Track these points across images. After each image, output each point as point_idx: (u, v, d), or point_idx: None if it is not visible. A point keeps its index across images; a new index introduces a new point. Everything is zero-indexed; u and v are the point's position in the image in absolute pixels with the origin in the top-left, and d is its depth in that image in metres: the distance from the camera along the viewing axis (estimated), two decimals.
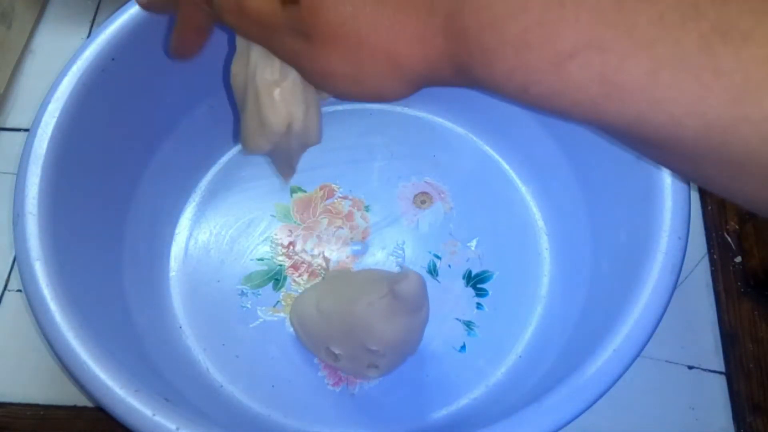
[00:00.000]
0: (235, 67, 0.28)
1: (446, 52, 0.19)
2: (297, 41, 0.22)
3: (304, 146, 0.31)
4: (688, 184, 0.33)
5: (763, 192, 0.16)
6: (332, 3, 0.20)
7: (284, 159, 0.32)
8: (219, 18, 0.24)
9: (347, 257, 0.43)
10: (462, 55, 0.19)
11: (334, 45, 0.21)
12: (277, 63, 0.25)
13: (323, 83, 0.23)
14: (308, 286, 0.41)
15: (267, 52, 0.25)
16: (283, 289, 0.41)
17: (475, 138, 0.46)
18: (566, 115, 0.18)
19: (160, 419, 0.27)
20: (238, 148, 0.46)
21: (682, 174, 0.20)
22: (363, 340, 0.34)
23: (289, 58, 0.23)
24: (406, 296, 0.33)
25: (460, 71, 0.19)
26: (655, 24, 0.16)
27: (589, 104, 0.17)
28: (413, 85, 0.21)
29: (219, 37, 0.41)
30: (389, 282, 0.34)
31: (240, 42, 0.28)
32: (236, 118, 0.45)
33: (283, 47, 0.23)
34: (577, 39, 0.16)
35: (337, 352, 0.35)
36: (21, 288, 0.41)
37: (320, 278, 0.42)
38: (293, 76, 0.26)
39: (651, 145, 0.18)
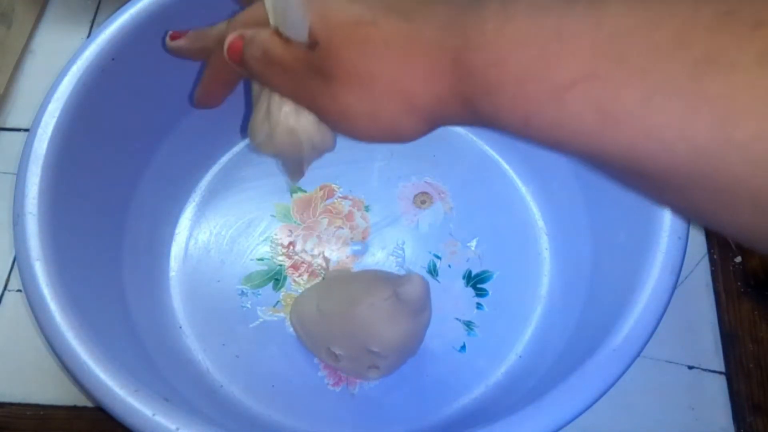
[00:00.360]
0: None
1: (455, 89, 0.20)
2: (317, 84, 0.23)
3: (319, 152, 0.30)
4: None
5: (755, 220, 0.17)
6: (348, 44, 0.21)
7: (294, 162, 0.32)
8: (247, 71, 0.25)
9: (347, 257, 0.43)
10: (469, 91, 0.20)
11: (351, 84, 0.22)
12: None
13: (342, 124, 0.23)
14: (308, 286, 0.41)
15: None
16: (283, 289, 0.41)
17: (475, 138, 0.46)
18: (566, 147, 0.19)
19: (160, 419, 0.27)
20: (238, 148, 0.46)
21: (678, 208, 0.20)
22: (365, 342, 0.34)
23: (310, 102, 0.24)
24: (409, 299, 0.33)
25: (468, 108, 0.20)
26: (649, 54, 0.16)
27: (586, 134, 0.18)
28: (428, 122, 0.22)
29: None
30: (392, 284, 0.34)
31: None
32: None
33: (305, 91, 0.24)
34: (575, 71, 0.17)
35: (337, 352, 0.35)
36: (21, 288, 0.41)
37: (320, 278, 0.42)
38: None
39: (646, 176, 0.18)
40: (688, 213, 0.20)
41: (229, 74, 0.29)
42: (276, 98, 0.26)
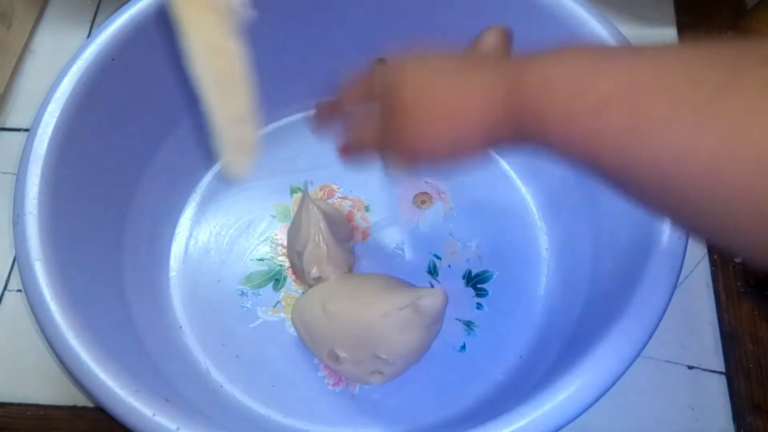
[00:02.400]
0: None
1: (508, 111, 0.24)
2: (393, 128, 0.27)
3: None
4: None
5: (757, 231, 0.18)
6: (408, 79, 0.27)
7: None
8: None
9: None
10: (520, 112, 0.23)
11: (419, 113, 0.26)
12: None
13: (414, 150, 0.27)
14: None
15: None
16: (283, 290, 0.41)
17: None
18: (598, 160, 0.21)
19: (160, 419, 0.27)
20: None
21: (689, 224, 0.22)
22: (374, 348, 0.34)
23: (390, 144, 0.28)
24: (429, 312, 0.33)
25: (518, 128, 0.24)
26: (676, 82, 0.19)
27: (615, 146, 0.20)
28: (484, 137, 0.25)
29: None
30: (409, 294, 0.34)
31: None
32: None
33: (386, 137, 0.28)
34: (613, 89, 0.20)
35: (341, 354, 0.35)
36: (21, 288, 0.41)
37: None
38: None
39: (663, 189, 0.20)
40: (699, 229, 0.21)
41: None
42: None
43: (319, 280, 0.39)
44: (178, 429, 0.27)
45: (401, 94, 0.27)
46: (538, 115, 0.22)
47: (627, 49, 0.22)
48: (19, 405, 0.39)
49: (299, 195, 0.44)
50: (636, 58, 0.21)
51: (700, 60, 0.19)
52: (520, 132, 0.24)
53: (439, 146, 0.26)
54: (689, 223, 0.21)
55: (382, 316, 0.34)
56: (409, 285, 0.37)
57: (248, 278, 0.42)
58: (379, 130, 0.29)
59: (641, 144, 0.19)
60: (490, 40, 0.28)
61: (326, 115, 0.35)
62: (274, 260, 0.42)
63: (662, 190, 0.20)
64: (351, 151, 0.33)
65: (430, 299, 0.33)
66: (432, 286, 0.41)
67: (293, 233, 0.40)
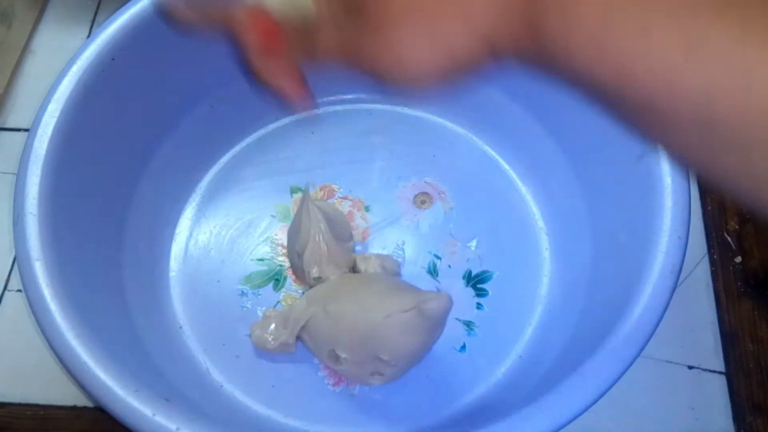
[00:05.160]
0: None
1: (523, 6, 0.20)
2: (366, 39, 0.22)
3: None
4: (688, 184, 0.33)
5: (741, 167, 0.17)
6: None
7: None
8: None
9: None
10: (538, 11, 0.19)
11: (404, 18, 0.21)
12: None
13: (398, 69, 0.22)
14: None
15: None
16: (283, 290, 0.41)
17: (475, 138, 0.46)
18: (632, 82, 0.18)
19: (160, 419, 0.27)
20: (238, 148, 0.46)
21: (676, 151, 0.19)
22: (375, 350, 0.34)
23: (361, 60, 0.23)
24: (433, 316, 0.33)
25: (532, 31, 0.20)
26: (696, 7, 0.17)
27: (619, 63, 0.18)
28: (488, 45, 0.21)
29: (219, 38, 0.41)
30: (413, 297, 0.34)
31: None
32: (237, 115, 0.45)
33: (355, 51, 0.23)
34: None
35: (342, 355, 0.35)
36: (21, 288, 0.41)
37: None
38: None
39: (658, 112, 0.18)
40: (685, 158, 0.19)
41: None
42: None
43: (319, 280, 0.39)
44: (178, 429, 0.27)
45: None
46: (560, 31, 0.19)
47: None
48: (19, 405, 0.39)
49: (299, 195, 0.44)
50: None
51: None
52: (535, 40, 0.20)
53: (431, 56, 0.21)
54: (679, 152, 0.19)
55: (385, 317, 0.34)
56: (411, 286, 0.37)
57: (248, 278, 0.42)
58: (339, 37, 0.23)
59: (694, 72, 0.17)
60: None
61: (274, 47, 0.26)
62: (274, 260, 0.42)
63: (706, 129, 0.17)
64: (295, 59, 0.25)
65: (435, 303, 0.33)
66: (438, 290, 0.41)
67: (293, 233, 0.40)
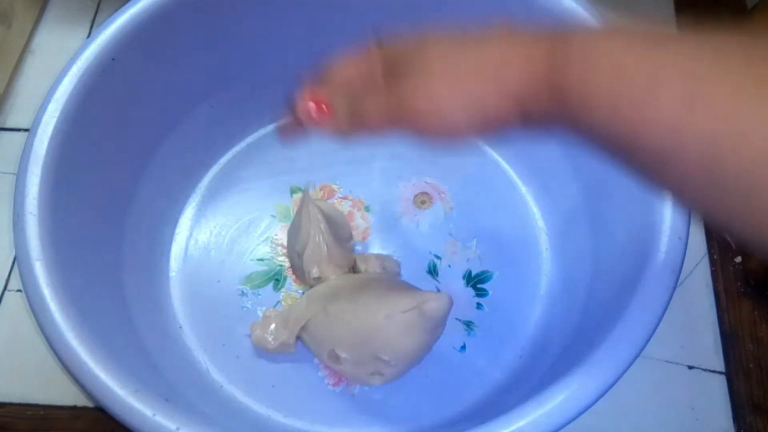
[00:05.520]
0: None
1: (547, 77, 0.22)
2: (404, 87, 0.24)
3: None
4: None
5: (745, 211, 0.18)
6: (441, 42, 0.24)
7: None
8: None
9: None
10: (561, 80, 0.21)
11: (443, 73, 0.24)
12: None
13: (433, 118, 0.24)
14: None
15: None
16: (283, 290, 0.41)
17: (475, 138, 0.46)
18: (640, 141, 0.20)
19: (160, 419, 0.27)
20: (238, 148, 0.46)
21: (685, 197, 0.21)
22: (376, 350, 0.34)
23: (398, 109, 0.25)
24: (433, 316, 0.33)
25: (556, 96, 0.22)
26: (736, 54, 0.19)
27: (668, 123, 0.19)
28: (517, 106, 0.23)
29: (219, 38, 0.41)
30: (413, 297, 0.34)
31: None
32: (237, 115, 0.45)
33: (394, 100, 0.25)
34: (668, 67, 0.19)
35: (342, 355, 0.35)
36: (21, 288, 0.41)
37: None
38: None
39: (710, 174, 0.19)
40: (701, 204, 0.21)
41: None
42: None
43: (319, 280, 0.39)
44: (178, 429, 0.27)
45: (423, 55, 0.24)
46: (580, 91, 0.21)
47: (670, 33, 0.21)
48: (19, 405, 0.39)
49: (299, 195, 0.44)
50: (684, 41, 0.20)
51: (756, 44, 0.18)
52: (559, 104, 0.22)
53: (467, 106, 0.23)
54: (733, 216, 0.20)
55: (386, 317, 0.34)
56: (411, 286, 0.37)
57: (248, 278, 0.42)
58: (383, 98, 0.25)
59: (696, 123, 0.18)
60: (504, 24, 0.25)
61: (305, 110, 0.29)
62: (274, 260, 0.42)
63: (710, 175, 0.19)
64: (344, 128, 0.28)
65: (435, 303, 0.33)
66: (438, 290, 0.41)
67: (293, 233, 0.40)
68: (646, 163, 0.20)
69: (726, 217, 0.20)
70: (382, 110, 0.26)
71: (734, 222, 0.20)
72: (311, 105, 0.27)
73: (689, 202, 0.21)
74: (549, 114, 0.23)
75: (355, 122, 0.27)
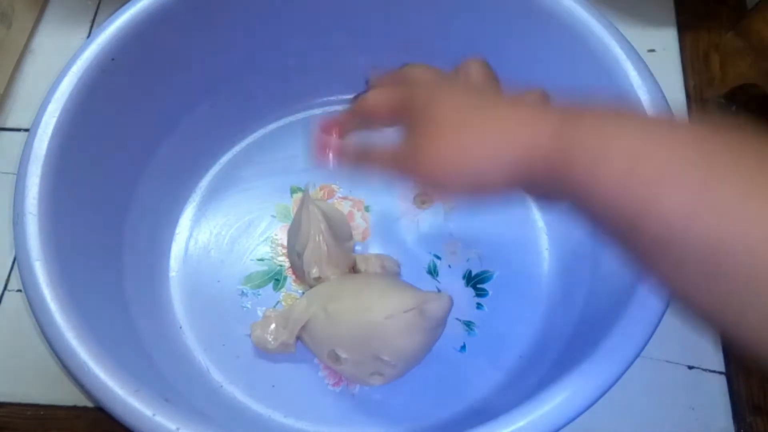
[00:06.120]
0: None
1: (551, 151, 0.23)
2: (414, 144, 0.27)
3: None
4: None
5: (744, 311, 0.19)
6: (447, 97, 0.26)
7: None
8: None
9: None
10: (563, 166, 0.22)
11: (445, 133, 0.25)
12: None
13: (432, 171, 0.26)
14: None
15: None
16: (283, 290, 0.41)
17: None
18: (640, 229, 0.21)
19: (160, 419, 0.27)
20: (238, 148, 0.46)
21: (683, 292, 0.22)
22: (376, 350, 0.34)
23: (405, 163, 0.27)
24: (434, 316, 0.33)
25: (553, 170, 0.23)
26: (748, 155, 0.19)
27: (669, 223, 0.20)
28: (511, 175, 0.24)
29: (219, 38, 0.41)
30: (414, 297, 0.34)
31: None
32: (237, 115, 0.45)
33: (403, 156, 0.27)
34: (675, 163, 0.20)
35: (342, 355, 0.35)
36: (21, 288, 0.41)
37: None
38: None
39: (709, 268, 0.20)
40: (701, 301, 0.21)
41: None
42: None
43: (319, 280, 0.39)
44: (178, 429, 0.27)
45: (437, 110, 0.26)
46: (585, 175, 0.22)
47: (678, 124, 0.22)
48: (19, 405, 0.39)
49: (299, 195, 0.44)
50: (698, 134, 0.21)
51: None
52: (557, 177, 0.23)
53: (464, 172, 0.25)
54: (728, 313, 0.20)
55: (386, 318, 0.34)
56: (411, 287, 0.37)
57: (248, 278, 0.42)
58: (398, 146, 0.28)
59: (704, 218, 0.19)
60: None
61: (344, 126, 0.33)
62: (274, 260, 0.42)
63: (710, 270, 0.19)
64: (353, 159, 0.31)
65: (436, 303, 0.33)
66: (438, 290, 0.41)
67: (293, 233, 0.40)
68: (647, 251, 0.21)
69: (724, 317, 0.20)
70: (387, 157, 0.28)
71: (731, 322, 0.20)
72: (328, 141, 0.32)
73: (688, 299, 0.21)
74: (545, 187, 0.24)
75: (363, 160, 0.30)
